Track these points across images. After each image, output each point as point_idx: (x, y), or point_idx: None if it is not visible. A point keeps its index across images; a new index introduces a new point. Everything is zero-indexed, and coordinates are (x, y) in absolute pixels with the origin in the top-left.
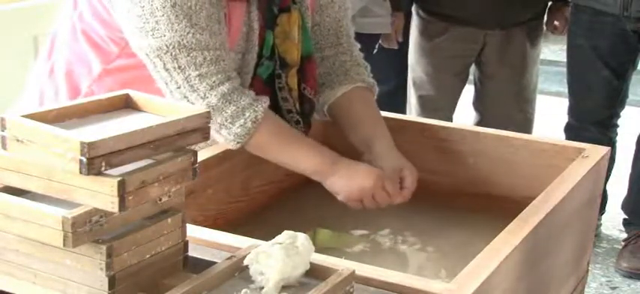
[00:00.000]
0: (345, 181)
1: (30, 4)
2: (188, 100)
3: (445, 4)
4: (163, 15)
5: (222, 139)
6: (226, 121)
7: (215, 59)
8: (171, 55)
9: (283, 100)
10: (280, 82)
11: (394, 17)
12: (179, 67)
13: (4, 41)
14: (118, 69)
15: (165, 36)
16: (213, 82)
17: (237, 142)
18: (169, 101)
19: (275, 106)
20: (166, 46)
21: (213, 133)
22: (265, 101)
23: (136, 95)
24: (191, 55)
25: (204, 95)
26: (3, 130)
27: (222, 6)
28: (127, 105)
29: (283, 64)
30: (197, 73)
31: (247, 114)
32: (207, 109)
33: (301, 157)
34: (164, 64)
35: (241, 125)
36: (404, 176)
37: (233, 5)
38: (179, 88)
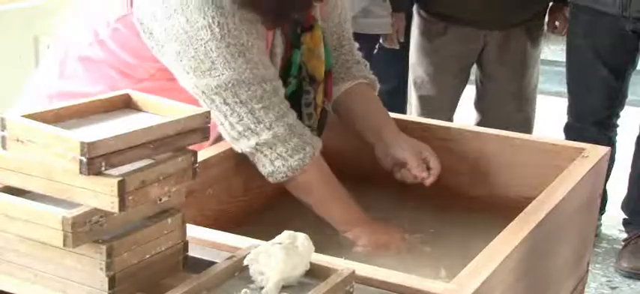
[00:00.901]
0: (369, 236)
1: (30, 4)
2: (252, 131)
3: (446, 5)
4: (219, 56)
5: (269, 169)
6: (286, 151)
7: (273, 90)
8: (231, 91)
9: (308, 116)
10: (308, 98)
11: (395, 18)
12: (241, 102)
13: (4, 41)
14: (144, 89)
15: (224, 75)
16: (278, 112)
17: (287, 175)
18: (170, 101)
19: None
20: (225, 84)
21: (262, 160)
22: (319, 140)
23: (136, 95)
24: (251, 89)
25: (270, 126)
26: (3, 130)
27: (265, 38)
28: (127, 105)
29: (312, 80)
30: (260, 105)
31: (307, 149)
32: (206, 111)
33: (336, 207)
34: (224, 99)
35: (300, 159)
36: (425, 158)
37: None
38: (241, 120)
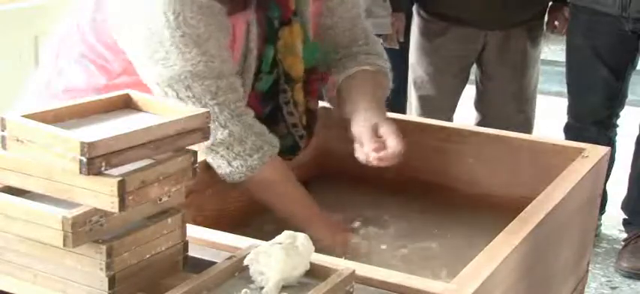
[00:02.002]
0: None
1: (30, 4)
2: None
3: (445, 5)
4: (172, 45)
5: (226, 169)
6: (244, 151)
7: (229, 87)
8: (183, 84)
9: (289, 114)
10: (286, 96)
11: (394, 18)
12: (194, 96)
13: (4, 41)
14: (121, 85)
15: (176, 65)
16: (234, 110)
17: (245, 175)
18: (170, 101)
19: (275, 120)
20: (178, 75)
21: (218, 161)
22: (276, 138)
23: (136, 95)
24: (205, 83)
25: (225, 124)
26: (3, 130)
27: (229, 31)
28: (127, 105)
29: (288, 79)
30: (215, 101)
31: (265, 148)
32: (206, 111)
33: (295, 205)
34: (177, 93)
35: (259, 158)
36: (382, 135)
37: (234, 23)
38: None
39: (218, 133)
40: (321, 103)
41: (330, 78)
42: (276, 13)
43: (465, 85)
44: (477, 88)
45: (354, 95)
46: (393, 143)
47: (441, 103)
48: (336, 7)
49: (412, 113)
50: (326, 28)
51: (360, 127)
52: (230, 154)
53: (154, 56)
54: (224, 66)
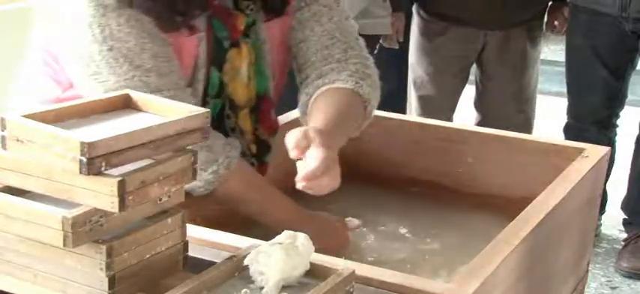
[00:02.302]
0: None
1: (30, 4)
2: None
3: (445, 5)
4: (102, 59)
5: (187, 186)
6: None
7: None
8: None
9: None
10: (230, 123)
11: (394, 17)
12: None
13: (4, 41)
14: (71, 98)
15: (109, 80)
16: None
17: (206, 189)
18: (170, 101)
19: None
20: (113, 90)
21: None
22: (237, 146)
23: (136, 95)
24: None
25: None
26: (3, 130)
27: (169, 43)
28: (126, 105)
29: (232, 105)
30: None
31: (220, 160)
32: (206, 111)
33: (269, 210)
34: None
35: (214, 172)
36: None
37: (183, 40)
38: None
39: None
40: None
41: (302, 98)
42: (223, 33)
43: (464, 85)
44: (477, 88)
45: (313, 115)
46: (314, 164)
47: (441, 103)
48: (308, 20)
49: (412, 113)
50: (297, 42)
51: (292, 133)
52: None
53: (86, 71)
54: (161, 80)
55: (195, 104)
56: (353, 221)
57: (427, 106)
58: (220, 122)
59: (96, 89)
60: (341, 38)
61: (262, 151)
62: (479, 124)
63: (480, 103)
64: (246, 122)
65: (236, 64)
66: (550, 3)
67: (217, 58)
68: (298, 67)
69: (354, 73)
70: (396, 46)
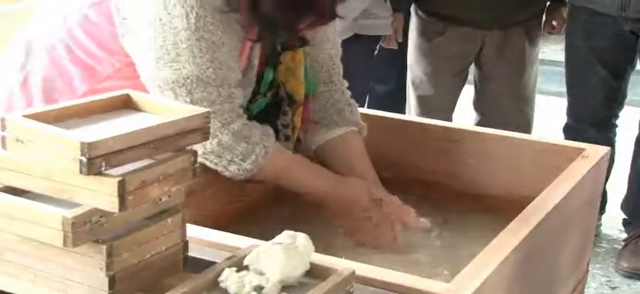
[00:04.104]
0: (338, 199)
1: (30, 4)
2: None
3: (443, 5)
4: (187, 47)
5: (227, 173)
6: (237, 157)
7: (228, 96)
8: (186, 88)
9: (285, 138)
10: (286, 119)
11: (393, 18)
12: (192, 101)
13: (5, 41)
14: (105, 89)
15: (184, 68)
16: (225, 119)
17: (246, 176)
18: (170, 101)
19: None
20: (183, 79)
21: (216, 167)
22: (272, 133)
23: (136, 95)
24: (207, 90)
25: (215, 133)
26: (3, 130)
27: (241, 41)
28: (127, 105)
29: (291, 101)
30: (211, 110)
31: (258, 150)
32: (206, 111)
33: (307, 182)
34: (176, 96)
35: (252, 161)
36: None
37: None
38: None
39: (207, 143)
40: None
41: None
42: (282, 38)
43: (463, 84)
44: (476, 87)
45: (358, 166)
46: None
47: (440, 102)
48: (322, 42)
49: (411, 113)
50: (311, 61)
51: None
52: (223, 160)
53: (165, 57)
54: (229, 74)
55: (245, 100)
56: (424, 222)
57: (426, 106)
58: (264, 119)
59: (165, 77)
60: (338, 65)
61: (298, 146)
62: (479, 124)
63: (478, 103)
64: (299, 119)
65: (290, 66)
66: (548, 3)
67: (272, 59)
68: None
69: (355, 106)
70: (395, 47)
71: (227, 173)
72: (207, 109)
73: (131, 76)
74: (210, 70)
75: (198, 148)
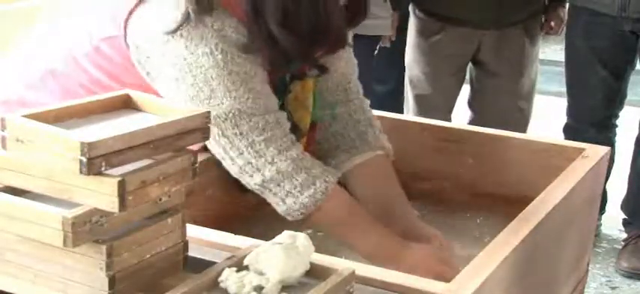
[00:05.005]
0: (402, 268)
1: (30, 3)
2: (253, 167)
3: (441, 4)
4: (219, 84)
5: (283, 208)
6: (295, 188)
7: (276, 122)
8: (231, 122)
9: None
10: None
11: (393, 17)
12: (240, 134)
13: (5, 41)
14: None
15: (223, 104)
16: (281, 146)
17: (302, 213)
18: (170, 101)
19: None
20: (225, 113)
21: (272, 199)
22: (336, 173)
23: (136, 95)
24: (253, 120)
25: (273, 160)
26: (3, 130)
27: (266, 69)
28: (127, 105)
29: (296, 130)
30: (262, 137)
31: (318, 184)
32: (207, 111)
33: (363, 240)
34: (222, 131)
35: (310, 195)
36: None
37: None
38: (242, 154)
39: (266, 171)
40: None
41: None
42: (295, 68)
43: (461, 84)
44: (472, 86)
45: (387, 198)
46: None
47: (438, 102)
48: (334, 61)
49: (409, 112)
50: (321, 81)
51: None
52: (282, 191)
53: (199, 96)
54: (269, 101)
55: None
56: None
57: (424, 105)
58: None
59: None
60: (355, 82)
61: None
62: (472, 122)
63: (474, 102)
64: (302, 147)
65: (300, 96)
66: (547, 3)
67: (279, 88)
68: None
69: (378, 127)
70: (388, 44)
71: (283, 208)
72: (208, 110)
73: None
74: (250, 100)
75: (256, 177)
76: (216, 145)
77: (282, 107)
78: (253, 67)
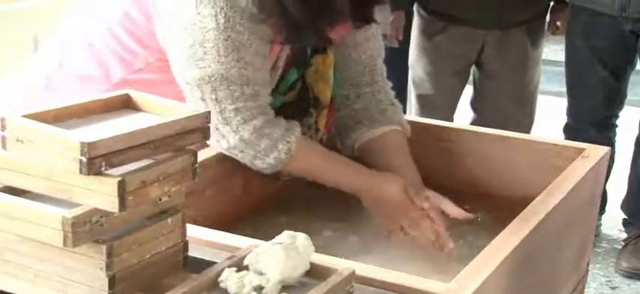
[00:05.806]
0: (371, 195)
1: (30, 4)
2: (219, 132)
3: (444, 4)
4: (214, 47)
5: (255, 167)
6: (260, 153)
7: (252, 94)
8: (211, 86)
9: (309, 138)
10: (309, 120)
11: (393, 16)
12: (216, 99)
13: (5, 41)
14: (137, 81)
15: (210, 67)
16: (247, 116)
17: (273, 170)
18: (170, 101)
19: None
20: (208, 76)
21: (245, 162)
22: (297, 130)
23: (136, 95)
24: (230, 88)
25: (237, 129)
26: (3, 130)
27: (269, 40)
28: (127, 105)
29: (317, 103)
30: (233, 106)
31: (280, 146)
32: (207, 112)
33: (339, 178)
34: (202, 93)
35: (275, 157)
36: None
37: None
38: (213, 119)
39: (230, 138)
40: None
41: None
42: (310, 40)
43: (464, 84)
44: (475, 87)
45: (398, 166)
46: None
47: (440, 101)
48: (363, 42)
49: (411, 112)
50: (350, 60)
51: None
52: (247, 156)
53: (193, 56)
54: (255, 74)
55: (271, 100)
56: (461, 212)
57: (426, 105)
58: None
59: (193, 74)
60: (380, 65)
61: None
62: (475, 123)
63: (477, 102)
64: (323, 121)
65: (320, 68)
66: (552, 4)
67: (300, 60)
68: (342, 82)
69: (398, 107)
70: (396, 45)
71: (254, 167)
72: (208, 110)
73: (162, 69)
74: (235, 69)
75: (222, 143)
76: (195, 107)
77: (303, 79)
78: (252, 37)
